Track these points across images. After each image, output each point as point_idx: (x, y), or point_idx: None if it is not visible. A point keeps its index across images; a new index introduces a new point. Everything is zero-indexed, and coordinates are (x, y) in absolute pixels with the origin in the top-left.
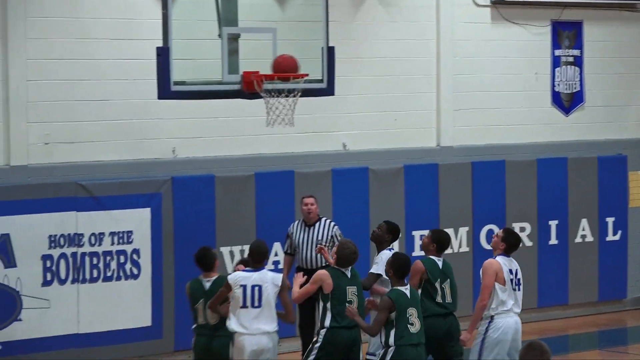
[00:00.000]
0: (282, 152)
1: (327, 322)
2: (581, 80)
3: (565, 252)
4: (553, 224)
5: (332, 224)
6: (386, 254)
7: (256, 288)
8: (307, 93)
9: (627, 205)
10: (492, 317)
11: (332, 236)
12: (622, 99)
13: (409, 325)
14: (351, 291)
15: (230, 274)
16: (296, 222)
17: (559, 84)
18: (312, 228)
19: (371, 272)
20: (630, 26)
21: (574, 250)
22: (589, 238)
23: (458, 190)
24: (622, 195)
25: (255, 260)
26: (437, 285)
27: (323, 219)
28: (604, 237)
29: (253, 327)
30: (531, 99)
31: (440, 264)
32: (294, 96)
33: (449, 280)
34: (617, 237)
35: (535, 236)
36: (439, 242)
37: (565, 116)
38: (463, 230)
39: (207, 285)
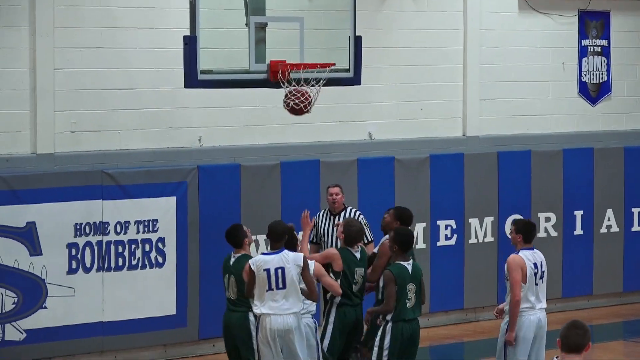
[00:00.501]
0: (308, 141)
1: (336, 299)
2: (608, 70)
3: (590, 242)
4: (578, 214)
5: (358, 213)
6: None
7: (279, 270)
8: (333, 82)
9: None
10: None
11: None
12: None
13: (406, 301)
14: (359, 273)
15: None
16: (322, 212)
17: (585, 74)
18: (337, 217)
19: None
20: None
21: (599, 241)
22: (615, 228)
23: (483, 180)
24: None
25: (274, 240)
26: None
27: (348, 208)
28: (630, 228)
29: (280, 308)
30: (558, 89)
31: None
32: (319, 86)
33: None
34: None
35: (561, 226)
36: (401, 219)
37: (592, 106)
38: (488, 220)
39: (232, 261)
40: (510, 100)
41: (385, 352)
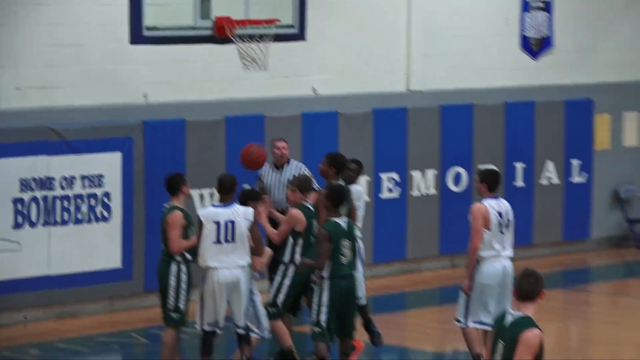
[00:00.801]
0: (253, 96)
1: (298, 258)
2: (550, 25)
3: (531, 193)
4: (519, 166)
5: (301, 165)
6: None
7: (230, 224)
8: (278, 38)
9: (592, 148)
10: (477, 262)
11: (299, 175)
12: (590, 44)
13: (341, 257)
14: (315, 225)
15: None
16: (266, 165)
17: (528, 29)
18: (281, 170)
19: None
20: None
21: (539, 192)
22: (555, 180)
23: (426, 134)
24: (587, 138)
25: (224, 192)
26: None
27: (292, 161)
28: (569, 179)
29: (228, 261)
30: (500, 44)
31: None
32: (266, 41)
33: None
34: (582, 179)
35: (502, 178)
36: (335, 164)
37: (534, 60)
38: (431, 173)
39: (164, 211)
40: (453, 55)
41: (324, 310)
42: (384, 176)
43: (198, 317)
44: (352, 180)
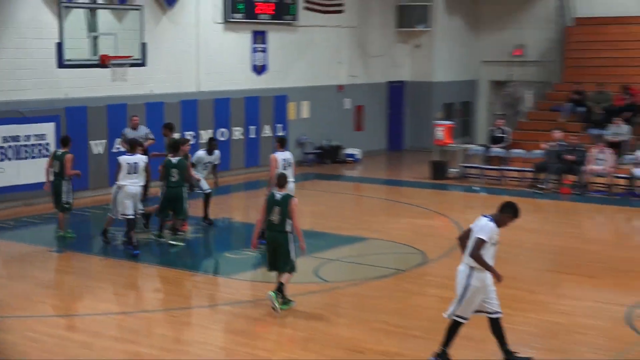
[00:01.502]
0: (121, 94)
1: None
2: (266, 59)
3: (258, 141)
4: (252, 127)
5: (146, 127)
6: (200, 154)
7: (134, 163)
8: (134, 64)
9: (287, 118)
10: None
11: (146, 133)
12: (286, 68)
13: (171, 177)
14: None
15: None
16: (127, 128)
17: (255, 61)
18: (135, 130)
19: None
20: (290, 33)
21: (263, 141)
22: (269, 134)
23: (208, 114)
24: (284, 113)
25: (132, 147)
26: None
27: (141, 126)
28: (277, 134)
29: (133, 182)
30: (243, 68)
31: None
32: (126, 67)
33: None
34: (282, 134)
35: (244, 133)
36: (169, 128)
37: (258, 76)
38: (209, 131)
39: (59, 153)
40: (219, 74)
41: (161, 203)
42: (187, 134)
43: (116, 210)
44: (215, 147)
